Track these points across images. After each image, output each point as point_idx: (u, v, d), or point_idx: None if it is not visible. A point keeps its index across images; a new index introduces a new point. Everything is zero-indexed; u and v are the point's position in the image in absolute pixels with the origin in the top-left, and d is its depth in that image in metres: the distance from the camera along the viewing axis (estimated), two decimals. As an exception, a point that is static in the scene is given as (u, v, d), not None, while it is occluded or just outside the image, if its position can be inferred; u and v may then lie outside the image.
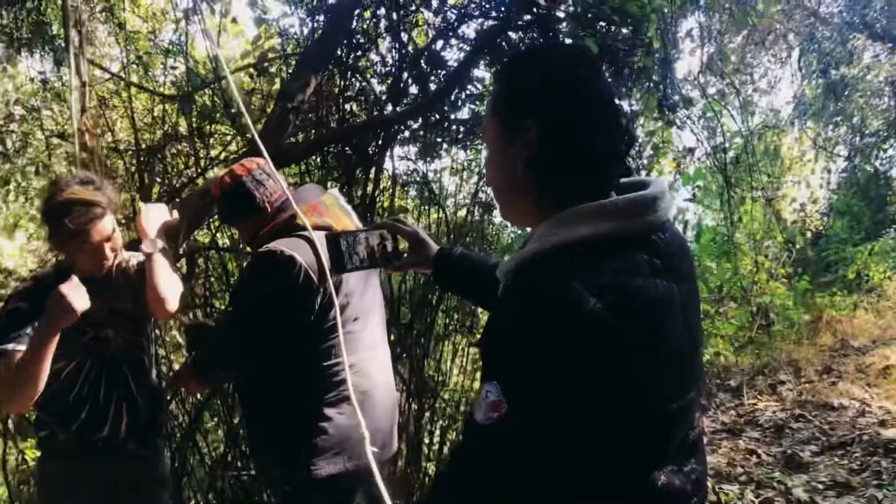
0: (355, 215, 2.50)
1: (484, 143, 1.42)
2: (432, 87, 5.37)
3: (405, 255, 1.90)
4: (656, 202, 1.15)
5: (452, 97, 5.27)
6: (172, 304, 2.34)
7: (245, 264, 2.46)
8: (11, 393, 2.15)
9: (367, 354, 2.40)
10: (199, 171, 4.85)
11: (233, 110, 4.51)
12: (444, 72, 5.49)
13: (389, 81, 5.73)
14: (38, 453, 2.38)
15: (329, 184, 4.77)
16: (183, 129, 4.95)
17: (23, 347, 2.09)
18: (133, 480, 2.42)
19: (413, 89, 5.44)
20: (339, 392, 2.26)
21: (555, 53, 1.27)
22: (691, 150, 6.37)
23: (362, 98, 5.71)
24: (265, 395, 2.31)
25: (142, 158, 5.04)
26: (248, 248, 2.57)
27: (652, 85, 5.56)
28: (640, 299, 1.05)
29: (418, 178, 5.87)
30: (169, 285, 2.32)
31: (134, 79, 5.29)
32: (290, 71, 5.05)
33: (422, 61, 5.44)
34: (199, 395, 3.42)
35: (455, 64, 5.45)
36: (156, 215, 2.43)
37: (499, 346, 1.08)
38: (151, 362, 2.52)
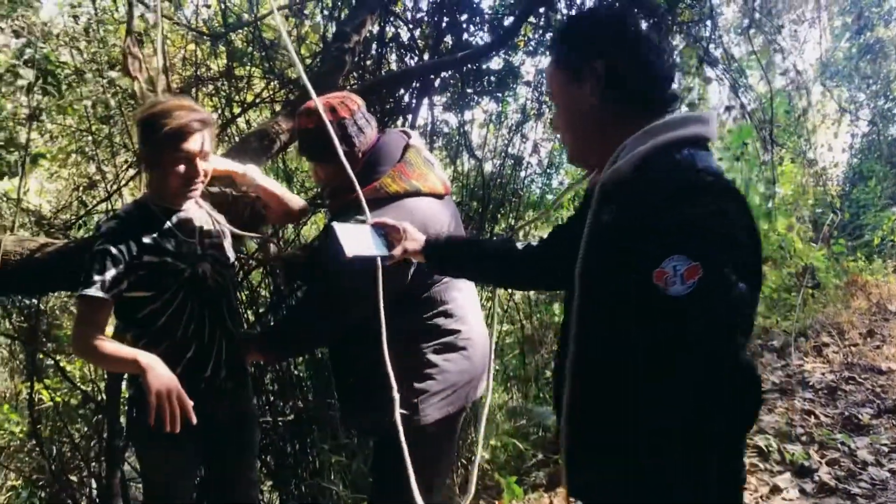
0: (438, 165, 2.44)
1: (553, 99, 1.56)
2: (466, 36, 5.26)
3: (396, 245, 2.00)
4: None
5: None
6: (297, 201, 2.52)
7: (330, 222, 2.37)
8: (79, 348, 2.11)
9: (461, 300, 2.38)
10: (231, 115, 4.75)
11: (272, 52, 4.39)
12: (480, 21, 5.37)
13: (424, 29, 5.63)
14: (130, 398, 2.30)
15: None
16: (215, 69, 4.83)
17: (105, 295, 2.02)
18: (233, 421, 2.38)
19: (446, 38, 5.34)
20: (444, 339, 2.26)
21: (602, 9, 1.55)
22: (729, 109, 6.27)
23: (394, 45, 5.61)
24: (365, 346, 2.23)
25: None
26: (322, 190, 2.51)
27: (692, 39, 5.44)
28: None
29: (450, 129, 5.78)
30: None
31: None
32: (325, 13, 4.93)
33: (456, 9, 5.32)
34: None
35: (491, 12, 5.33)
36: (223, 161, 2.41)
37: (668, 221, 1.20)
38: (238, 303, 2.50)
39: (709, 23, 5.70)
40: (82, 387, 5.25)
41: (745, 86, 5.92)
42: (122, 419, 4.28)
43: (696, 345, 1.17)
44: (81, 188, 5.52)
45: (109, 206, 4.68)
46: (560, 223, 1.89)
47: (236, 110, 4.77)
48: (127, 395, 2.40)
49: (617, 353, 1.29)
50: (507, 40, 4.66)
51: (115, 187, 4.78)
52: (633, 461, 1.25)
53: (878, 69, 11.19)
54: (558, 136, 1.73)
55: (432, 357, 2.25)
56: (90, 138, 5.09)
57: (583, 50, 1.42)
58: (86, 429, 5.40)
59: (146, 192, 2.30)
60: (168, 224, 2.21)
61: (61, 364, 5.32)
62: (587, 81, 1.41)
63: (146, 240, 2.12)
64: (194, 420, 1.96)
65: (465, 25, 5.41)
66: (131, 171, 4.76)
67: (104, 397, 4.69)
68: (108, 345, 2.02)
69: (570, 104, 1.47)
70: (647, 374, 1.22)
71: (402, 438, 1.87)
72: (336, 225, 1.91)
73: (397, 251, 1.95)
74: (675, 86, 1.45)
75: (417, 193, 2.23)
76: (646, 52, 1.38)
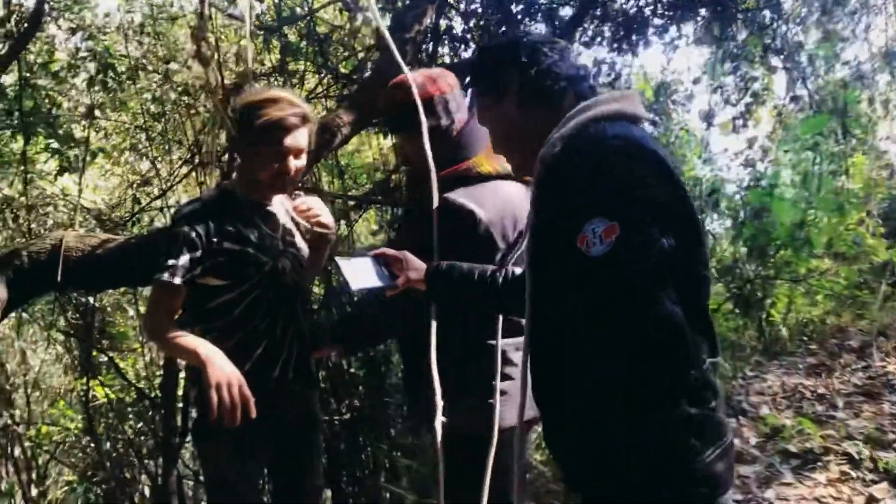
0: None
1: (487, 124, 1.66)
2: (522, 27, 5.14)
3: (397, 276, 1.99)
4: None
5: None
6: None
7: (416, 203, 2.25)
8: (148, 330, 2.08)
9: None
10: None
11: (325, 46, 4.31)
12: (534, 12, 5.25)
13: (475, 22, 5.52)
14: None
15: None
16: (269, 65, 4.77)
17: (179, 281, 1.96)
18: (300, 424, 2.27)
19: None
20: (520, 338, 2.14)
21: (503, 38, 1.65)
22: (795, 99, 6.01)
23: (446, 37, 5.52)
24: (447, 343, 2.06)
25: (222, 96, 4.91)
26: (408, 171, 2.41)
27: (757, 27, 5.22)
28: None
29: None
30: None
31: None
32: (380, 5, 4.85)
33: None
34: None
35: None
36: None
37: (584, 189, 1.27)
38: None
39: (767, 12, 5.50)
40: (137, 384, 5.27)
41: (813, 75, 5.68)
42: (178, 418, 4.29)
43: (620, 299, 1.21)
44: (135, 185, 5.53)
45: (164, 203, 4.66)
46: None
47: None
48: (190, 395, 2.34)
49: (561, 326, 1.35)
50: (569, 32, 4.52)
51: (169, 184, 4.76)
52: (583, 429, 1.30)
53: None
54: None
55: (513, 355, 2.13)
56: (144, 135, 5.09)
57: (494, 71, 1.57)
58: (140, 425, 5.41)
59: (233, 179, 2.23)
60: (253, 215, 2.13)
61: (115, 361, 5.36)
62: (506, 96, 1.55)
63: (228, 226, 2.05)
64: (254, 413, 1.88)
65: (519, 17, 5.30)
66: (185, 169, 4.73)
67: (158, 394, 4.72)
68: (176, 332, 1.97)
69: (499, 121, 1.59)
70: (583, 337, 1.28)
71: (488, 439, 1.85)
72: (339, 259, 1.94)
73: (400, 281, 1.95)
74: (588, 80, 1.55)
75: (508, 176, 2.13)
76: (548, 55, 1.51)
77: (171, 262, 1.95)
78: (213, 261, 2.01)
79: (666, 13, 5.53)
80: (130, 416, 5.43)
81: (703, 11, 5.33)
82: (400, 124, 2.22)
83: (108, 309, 5.88)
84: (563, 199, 1.34)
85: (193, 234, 1.98)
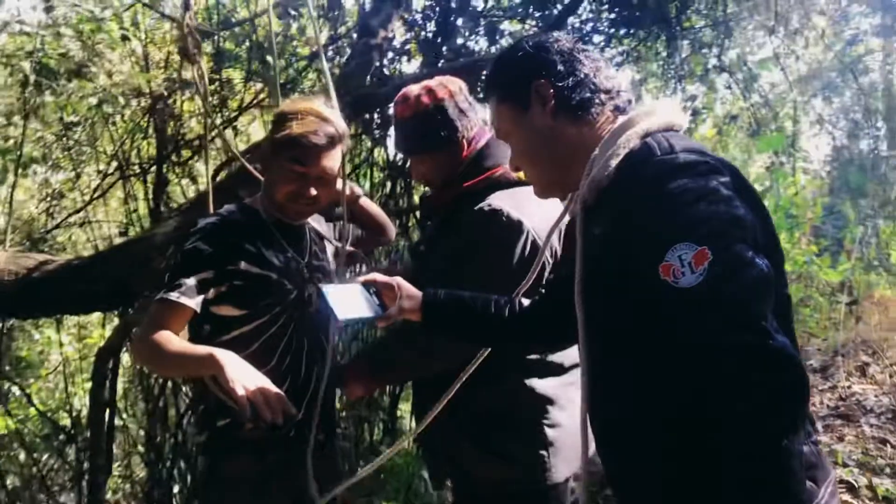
0: None
1: (507, 138, 1.45)
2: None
3: (391, 305, 1.73)
4: None
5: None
6: (391, 228, 2.29)
7: (442, 219, 1.98)
8: (140, 351, 1.76)
9: None
10: (225, 120, 4.39)
11: (264, 52, 4.05)
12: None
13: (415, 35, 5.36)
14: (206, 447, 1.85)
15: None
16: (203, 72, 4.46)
17: (187, 301, 1.65)
18: (322, 479, 1.86)
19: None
20: (565, 376, 1.87)
21: (525, 39, 1.43)
22: (734, 118, 6.07)
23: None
24: (486, 379, 1.81)
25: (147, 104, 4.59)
26: (426, 187, 2.13)
27: (698, 46, 5.23)
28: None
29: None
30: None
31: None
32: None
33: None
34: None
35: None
36: None
37: (661, 212, 1.10)
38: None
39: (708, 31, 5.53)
40: (48, 415, 4.86)
41: (757, 91, 5.75)
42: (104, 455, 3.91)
43: (723, 333, 1.02)
44: (48, 198, 5.11)
45: (85, 217, 4.31)
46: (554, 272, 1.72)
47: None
48: (198, 442, 1.94)
49: (641, 367, 1.15)
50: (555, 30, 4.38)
51: (90, 197, 4.41)
52: (681, 483, 1.10)
53: (861, 85, 11.20)
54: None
55: (561, 399, 1.83)
56: (60, 144, 4.71)
57: (521, 76, 1.38)
58: (52, 461, 4.98)
59: (258, 195, 1.93)
60: (277, 236, 1.85)
61: (25, 390, 4.94)
62: (535, 105, 1.35)
63: (248, 246, 1.77)
64: (293, 410, 1.57)
65: (462, 30, 5.16)
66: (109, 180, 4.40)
67: (71, 427, 4.37)
68: (177, 342, 1.64)
69: (525, 134, 1.39)
70: (676, 377, 1.07)
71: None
72: (325, 287, 1.67)
73: (392, 311, 1.69)
74: (626, 91, 1.37)
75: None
76: (582, 62, 1.35)
77: (179, 280, 1.66)
78: (228, 285, 1.73)
79: (608, 30, 5.51)
80: (40, 449, 5.01)
81: (643, 30, 5.32)
82: (406, 143, 1.99)
83: (14, 333, 5.43)
84: (631, 223, 1.15)
85: (208, 251, 1.70)
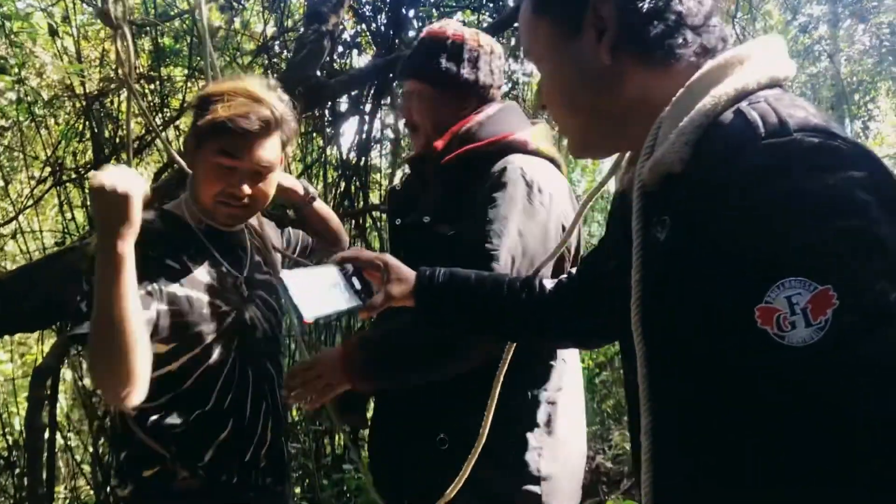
0: (562, 162, 1.81)
1: (539, 64, 1.06)
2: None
3: (377, 290, 1.40)
4: None
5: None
6: (344, 235, 2.11)
7: (446, 189, 1.68)
8: (101, 376, 1.34)
9: None
10: (164, 120, 4.14)
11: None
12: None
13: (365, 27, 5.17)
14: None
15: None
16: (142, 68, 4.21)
17: None
18: None
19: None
20: (567, 400, 1.67)
21: None
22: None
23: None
24: (475, 391, 1.51)
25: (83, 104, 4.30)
26: (412, 133, 1.86)
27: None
28: None
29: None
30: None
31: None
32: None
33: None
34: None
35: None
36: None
37: (762, 226, 0.74)
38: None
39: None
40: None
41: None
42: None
43: (856, 420, 0.69)
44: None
45: (17, 228, 4.03)
46: (593, 248, 1.35)
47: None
48: (121, 497, 1.62)
49: (721, 446, 0.81)
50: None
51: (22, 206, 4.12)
52: None
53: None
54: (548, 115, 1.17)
55: (562, 427, 1.62)
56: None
57: None
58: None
59: (180, 199, 1.62)
60: (206, 247, 1.56)
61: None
62: (588, 31, 0.97)
63: (170, 262, 1.48)
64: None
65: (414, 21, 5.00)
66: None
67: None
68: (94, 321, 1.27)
69: (566, 70, 1.01)
70: (781, 476, 0.74)
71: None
72: (286, 275, 1.33)
73: (377, 299, 1.36)
74: (718, 25, 0.96)
75: (554, 162, 1.71)
76: None
77: (86, 309, 1.34)
78: (148, 314, 1.39)
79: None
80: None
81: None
82: (423, 70, 1.75)
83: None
84: (716, 235, 0.79)
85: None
